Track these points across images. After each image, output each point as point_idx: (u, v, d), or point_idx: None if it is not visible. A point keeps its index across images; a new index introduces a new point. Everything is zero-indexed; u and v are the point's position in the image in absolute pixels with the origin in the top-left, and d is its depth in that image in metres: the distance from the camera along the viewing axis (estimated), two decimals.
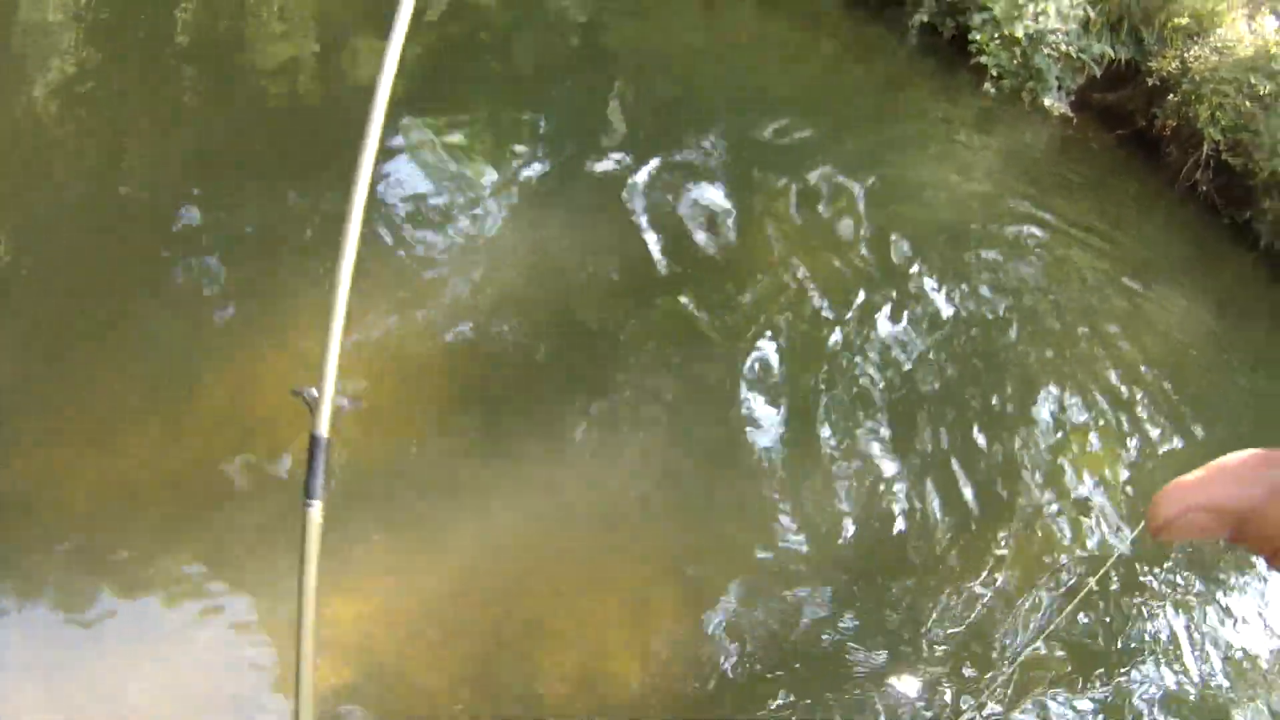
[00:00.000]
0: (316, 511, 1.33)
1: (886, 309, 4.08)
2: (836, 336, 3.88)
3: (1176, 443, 4.12)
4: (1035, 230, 5.11)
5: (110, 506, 2.61)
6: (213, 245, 3.47)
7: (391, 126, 3.76)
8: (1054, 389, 4.07)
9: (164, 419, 2.86)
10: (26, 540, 2.47)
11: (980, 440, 3.76)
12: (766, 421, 3.46)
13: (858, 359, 3.84)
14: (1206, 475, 0.31)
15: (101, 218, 3.52)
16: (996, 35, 6.35)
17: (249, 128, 4.17)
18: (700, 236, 4.08)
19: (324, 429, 1.35)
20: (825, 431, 3.49)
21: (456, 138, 4.27)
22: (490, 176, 4.08)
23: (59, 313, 3.09)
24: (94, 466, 2.68)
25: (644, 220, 4.06)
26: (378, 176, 3.60)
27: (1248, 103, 6.43)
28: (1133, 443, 4.01)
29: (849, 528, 3.23)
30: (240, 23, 5.10)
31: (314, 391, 1.34)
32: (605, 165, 4.40)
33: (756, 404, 3.49)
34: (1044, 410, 3.99)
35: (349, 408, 2.93)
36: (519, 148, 4.40)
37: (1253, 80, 6.49)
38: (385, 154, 3.77)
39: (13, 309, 3.07)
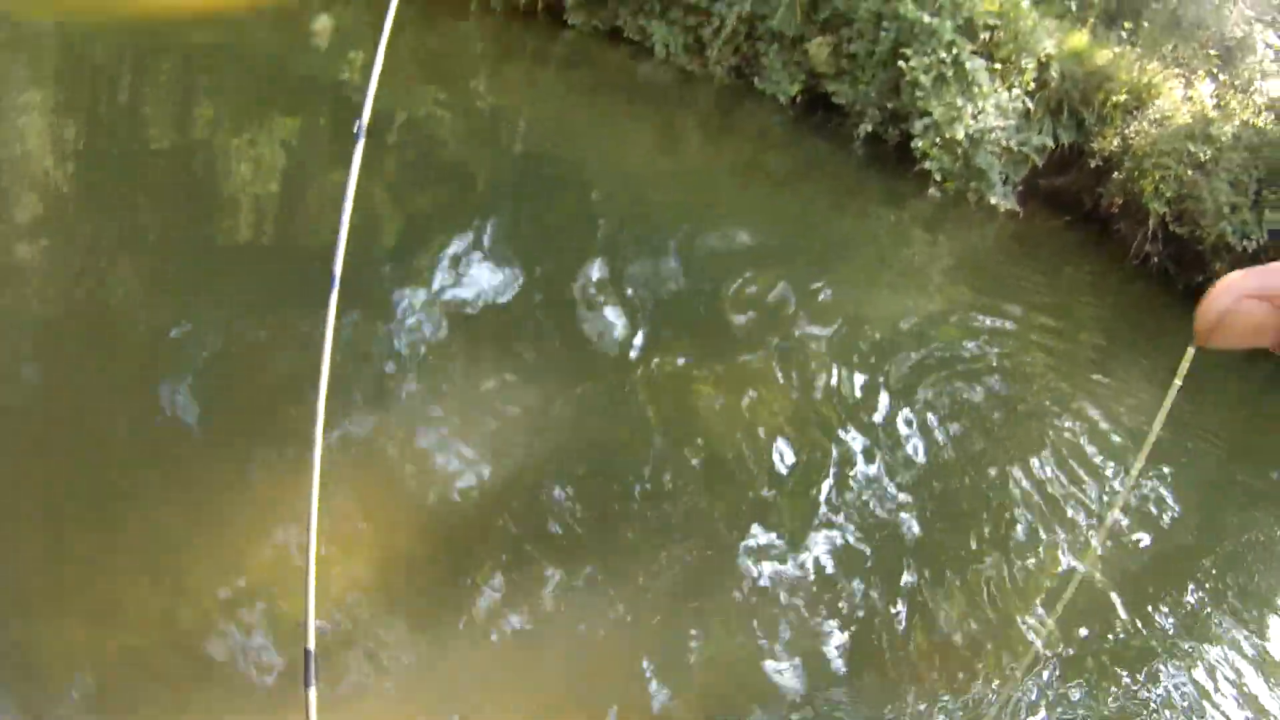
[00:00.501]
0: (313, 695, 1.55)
1: (852, 442, 4.13)
2: (799, 475, 3.92)
3: (1148, 539, 4.27)
4: (992, 339, 5.29)
5: (119, 677, 2.70)
6: (198, 398, 3.61)
7: (360, 268, 4.03)
8: (1021, 507, 4.15)
9: (165, 586, 2.96)
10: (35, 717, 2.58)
11: (957, 571, 3.80)
12: (740, 571, 3.47)
13: (826, 497, 3.87)
14: (1260, 269, 0.36)
15: (81, 371, 3.68)
16: (938, 139, 6.71)
17: (228, 266, 4.46)
18: (654, 365, 4.20)
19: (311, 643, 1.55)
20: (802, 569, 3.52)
21: (417, 276, 4.49)
22: (453, 312, 4.23)
23: (45, 479, 3.21)
24: (99, 638, 2.78)
25: (604, 351, 4.23)
26: (355, 324, 4.00)
27: (1189, 171, 6.74)
28: (1106, 544, 4.11)
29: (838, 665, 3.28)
30: (212, 158, 5.53)
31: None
32: (566, 293, 4.55)
33: (723, 549, 3.53)
34: (1018, 529, 4.07)
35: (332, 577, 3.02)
36: (479, 276, 4.56)
37: (1191, 148, 6.81)
38: (357, 298, 4.05)
39: None
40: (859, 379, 4.55)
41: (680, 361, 4.23)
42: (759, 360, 4.42)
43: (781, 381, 4.33)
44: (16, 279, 4.20)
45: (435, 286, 4.47)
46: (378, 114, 5.54)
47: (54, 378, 3.69)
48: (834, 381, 4.48)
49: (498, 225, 5.02)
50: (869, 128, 6.99)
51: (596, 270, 4.71)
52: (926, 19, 7.11)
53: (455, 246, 4.73)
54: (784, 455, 3.98)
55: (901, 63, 7.01)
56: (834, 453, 4.07)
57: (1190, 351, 0.72)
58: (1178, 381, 1.08)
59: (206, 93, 7.10)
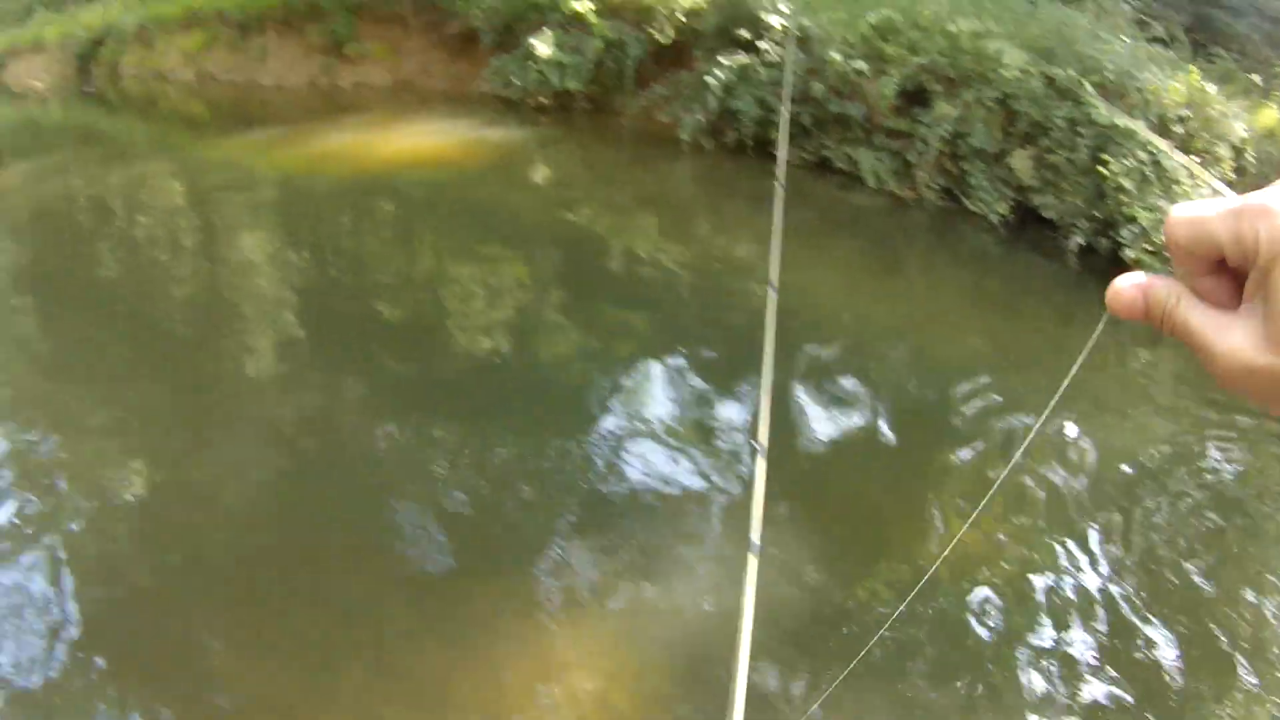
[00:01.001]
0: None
1: (1091, 575, 3.99)
2: (1036, 612, 3.80)
3: None
4: (1225, 449, 5.23)
5: None
6: (448, 528, 3.91)
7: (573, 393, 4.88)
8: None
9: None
10: None
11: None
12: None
13: (1073, 636, 3.72)
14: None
15: (323, 507, 4.06)
16: (1147, 245, 7.29)
17: (461, 396, 4.90)
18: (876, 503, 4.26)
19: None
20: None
21: (639, 406, 4.79)
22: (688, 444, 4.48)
23: (306, 620, 3.51)
24: None
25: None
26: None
27: None
28: None
29: None
30: (439, 293, 6.48)
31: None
32: (791, 432, 4.62)
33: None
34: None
35: None
36: (709, 406, 4.83)
37: None
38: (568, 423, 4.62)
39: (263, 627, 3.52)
40: (1096, 507, 4.44)
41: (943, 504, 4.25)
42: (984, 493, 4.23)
43: (1013, 519, 4.21)
44: (254, 416, 4.86)
45: (663, 416, 4.71)
46: (600, 250, 6.73)
47: (298, 516, 4.09)
48: (1069, 512, 4.37)
49: (702, 357, 5.44)
50: (1080, 239, 7.49)
51: (825, 421, 4.86)
52: (1119, 121, 7.69)
53: (689, 383, 5.08)
54: (1033, 585, 3.90)
55: (1101, 168, 7.52)
56: (1075, 588, 3.94)
57: None
58: None
59: (425, 232, 8.23)
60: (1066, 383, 0.94)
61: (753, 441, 3.01)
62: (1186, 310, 0.51)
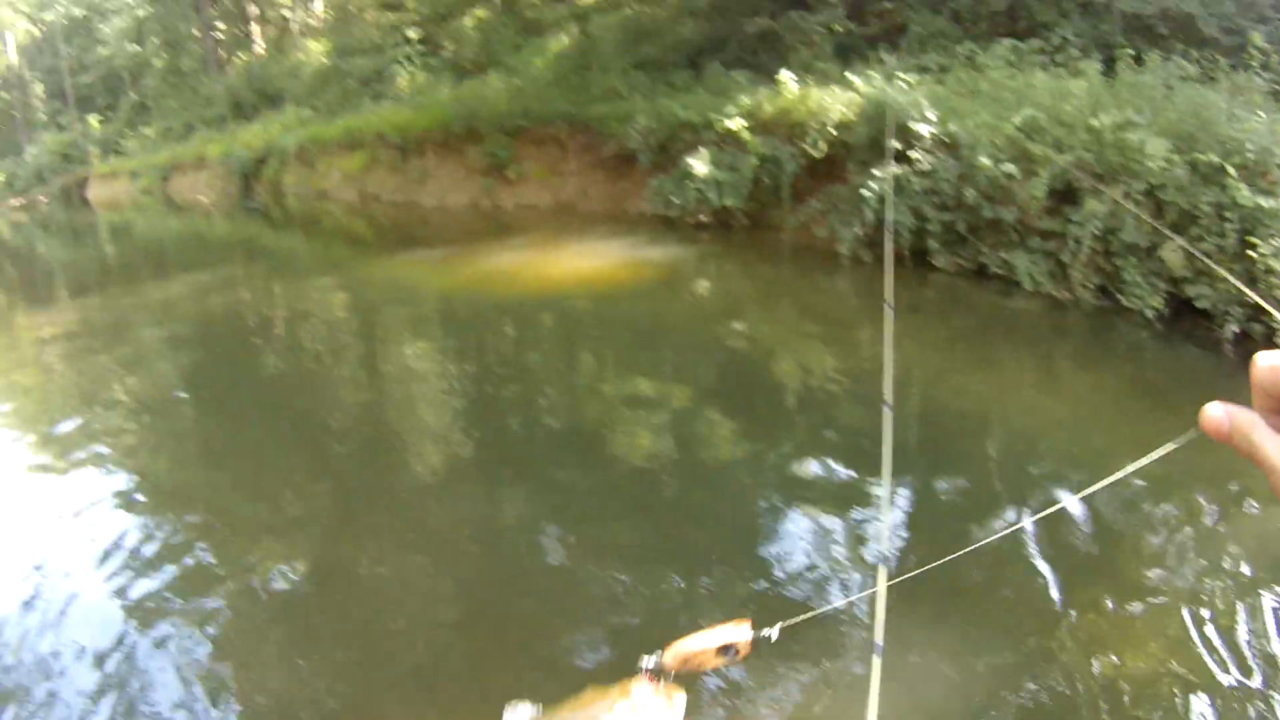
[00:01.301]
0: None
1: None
2: None
3: None
4: None
5: None
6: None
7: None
8: None
9: None
10: None
11: None
12: None
13: None
14: None
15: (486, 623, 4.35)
16: None
17: (627, 511, 5.28)
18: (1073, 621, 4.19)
19: None
20: None
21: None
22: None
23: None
24: None
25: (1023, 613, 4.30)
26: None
27: None
28: None
29: None
30: (601, 408, 7.14)
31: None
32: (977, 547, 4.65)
33: None
34: None
35: None
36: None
37: None
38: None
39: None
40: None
41: (1091, 616, 4.25)
42: (1166, 610, 4.30)
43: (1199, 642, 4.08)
44: (415, 521, 5.28)
45: (811, 522, 4.95)
46: (761, 362, 7.95)
47: (463, 621, 4.42)
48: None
49: (860, 466, 5.67)
50: (1235, 327, 8.30)
51: (974, 524, 5.04)
52: (1264, 202, 8.56)
53: (842, 490, 5.34)
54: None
55: (1251, 252, 8.47)
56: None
57: None
58: None
59: (588, 347, 9.16)
60: (1132, 468, 1.05)
61: (880, 550, 4.24)
62: (1261, 437, 0.69)
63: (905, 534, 4.88)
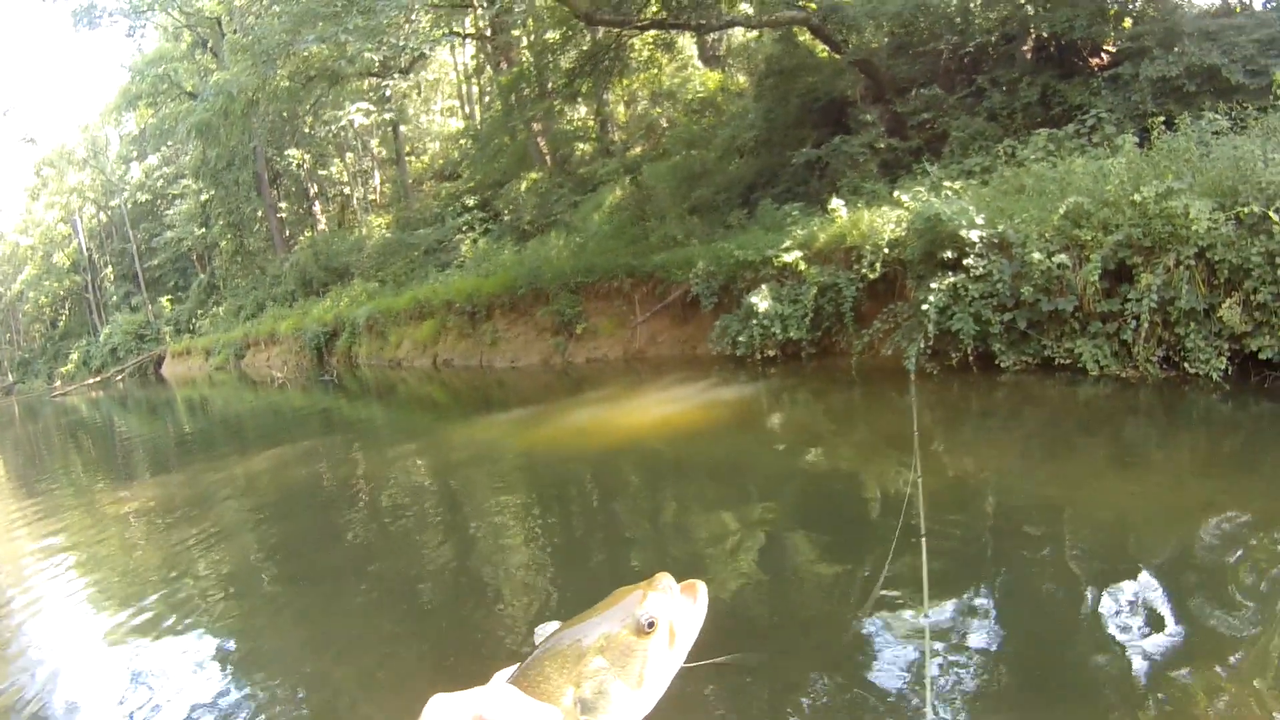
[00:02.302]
0: None
1: None
2: None
3: None
4: None
5: None
6: None
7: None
8: None
9: None
10: None
11: None
12: None
13: None
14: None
15: None
16: None
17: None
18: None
19: None
20: None
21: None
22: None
23: None
24: None
25: None
26: None
27: None
28: None
29: None
30: (692, 549, 6.87)
31: None
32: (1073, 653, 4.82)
33: None
34: None
35: None
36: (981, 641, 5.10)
37: None
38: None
39: None
40: None
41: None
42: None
43: None
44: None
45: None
46: (842, 488, 8.42)
47: None
48: None
49: (992, 589, 5.81)
50: None
51: (1086, 639, 4.95)
52: None
53: (963, 622, 5.28)
54: None
55: None
56: None
57: None
58: None
59: (669, 491, 9.54)
60: None
61: (922, 618, 4.88)
62: None
63: (991, 647, 4.99)
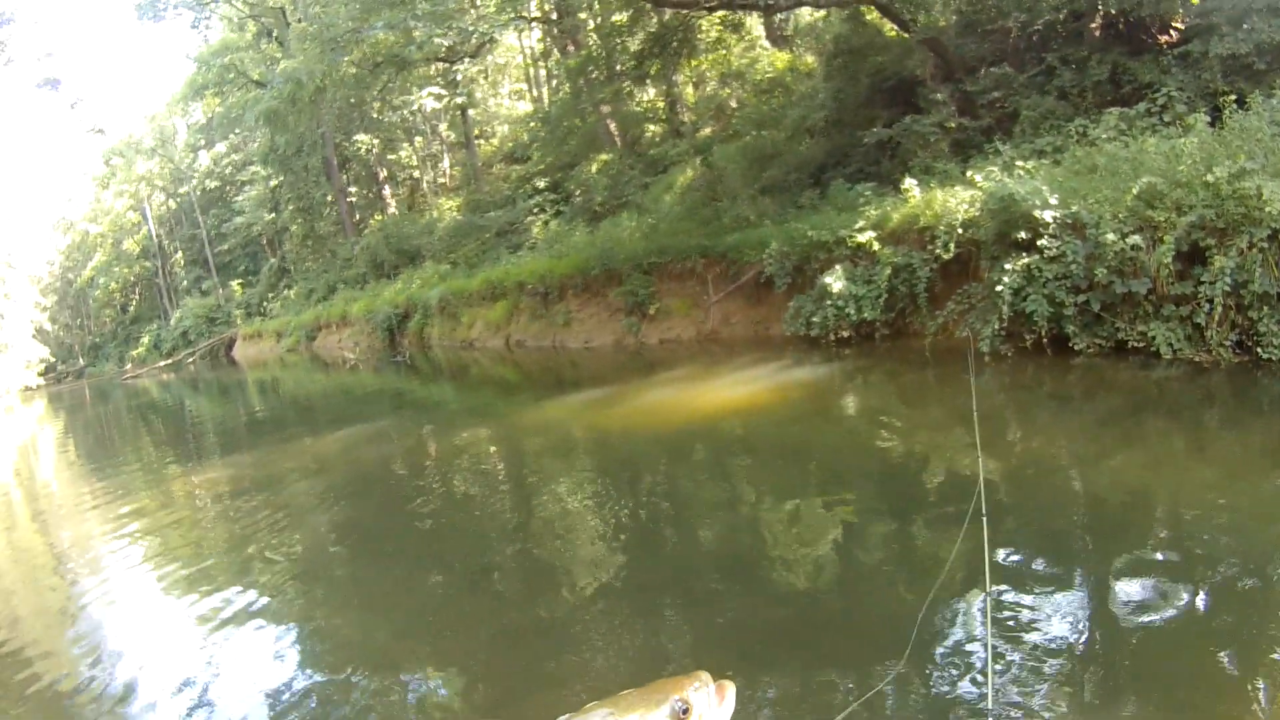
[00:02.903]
0: None
1: None
2: None
3: None
4: None
5: None
6: None
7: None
8: None
9: None
10: None
11: None
12: None
13: None
14: None
15: None
16: None
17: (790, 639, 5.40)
18: None
19: None
20: None
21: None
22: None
23: None
24: None
25: None
26: None
27: None
28: None
29: None
30: (760, 533, 7.08)
31: None
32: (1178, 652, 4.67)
33: None
34: None
35: None
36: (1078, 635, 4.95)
37: None
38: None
39: None
40: None
41: None
42: None
43: None
44: (575, 663, 5.41)
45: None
46: (916, 470, 8.64)
47: None
48: None
49: (1086, 579, 5.70)
50: None
51: (1157, 630, 4.88)
52: None
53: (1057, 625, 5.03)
54: None
55: None
56: None
57: None
58: None
59: (743, 475, 9.55)
60: None
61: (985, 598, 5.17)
62: None
63: (1095, 628, 4.96)
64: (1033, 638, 4.83)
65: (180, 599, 7.85)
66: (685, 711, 1.19)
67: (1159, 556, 5.85)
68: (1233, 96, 12.72)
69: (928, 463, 9.05)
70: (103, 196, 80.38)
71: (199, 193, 69.60)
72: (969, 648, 4.86)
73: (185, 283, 73.21)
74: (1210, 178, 10.65)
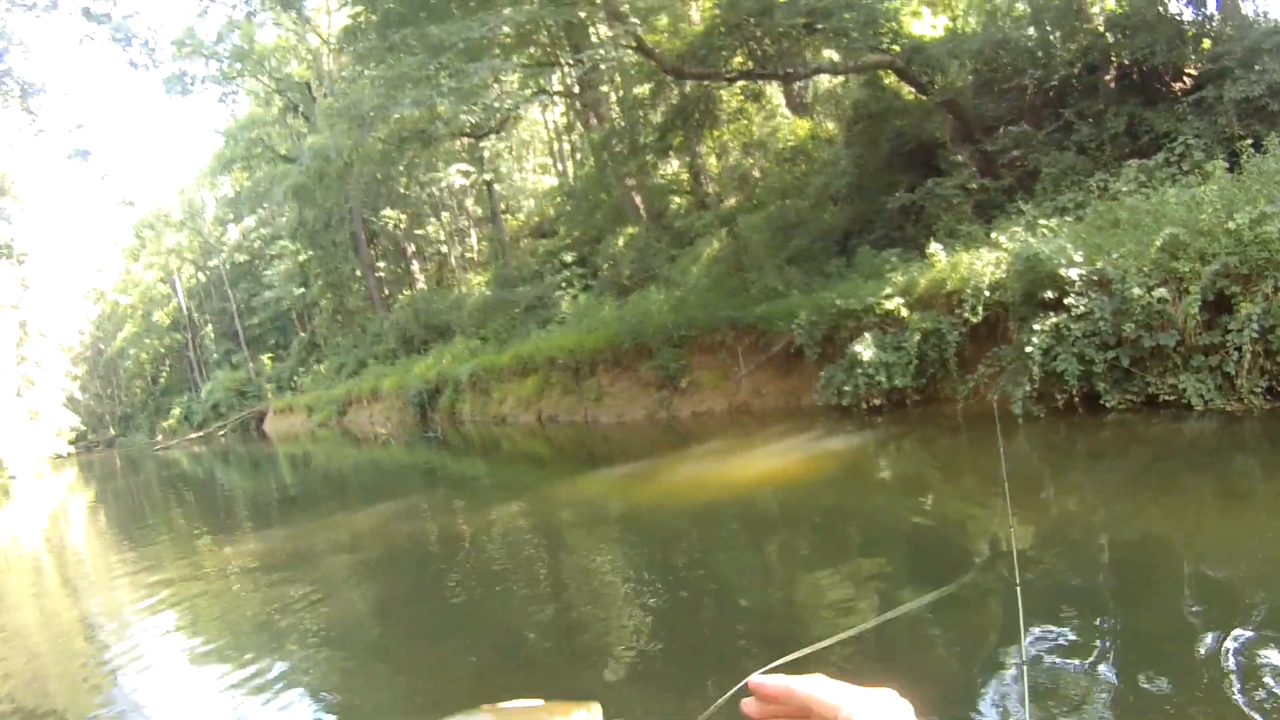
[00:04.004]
0: None
1: None
2: None
3: None
4: None
5: None
6: None
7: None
8: None
9: None
10: None
11: None
12: None
13: None
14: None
15: None
16: None
17: None
18: None
19: None
20: None
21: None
22: None
23: None
24: None
25: None
26: None
27: None
28: None
29: None
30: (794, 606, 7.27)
31: None
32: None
33: None
34: None
35: None
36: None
37: None
38: None
39: None
40: None
41: None
42: None
43: None
44: None
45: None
46: (954, 538, 8.66)
47: None
48: None
49: (1097, 634, 5.76)
50: None
51: (1195, 686, 4.88)
52: None
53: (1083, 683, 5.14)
54: None
55: None
56: None
57: None
58: None
59: (777, 545, 9.72)
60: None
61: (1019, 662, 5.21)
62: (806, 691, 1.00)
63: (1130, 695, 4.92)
64: (1067, 705, 4.85)
65: (210, 667, 7.99)
66: None
67: (1196, 614, 5.86)
68: (1249, 140, 12.92)
69: (963, 529, 9.18)
70: (133, 268, 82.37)
71: (228, 266, 71.02)
72: (1006, 707, 4.92)
73: (215, 355, 74.52)
74: (1232, 225, 10.81)
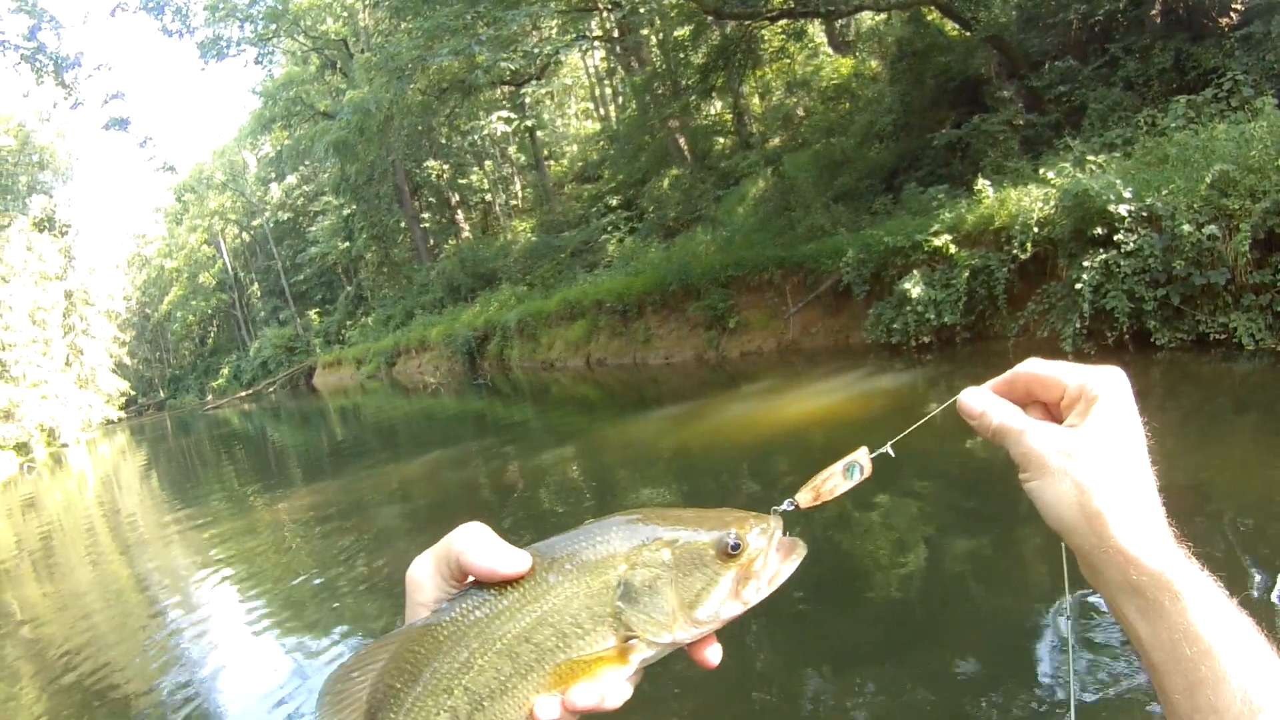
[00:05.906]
0: None
1: None
2: None
3: None
4: None
5: None
6: None
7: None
8: None
9: None
10: None
11: None
12: None
13: None
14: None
15: None
16: None
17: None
18: None
19: None
20: None
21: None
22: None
23: None
24: None
25: None
26: None
27: None
28: None
29: None
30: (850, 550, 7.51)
31: None
32: None
33: None
34: None
35: None
36: None
37: None
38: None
39: None
40: None
41: None
42: None
43: None
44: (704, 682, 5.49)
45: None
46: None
47: None
48: None
49: None
50: None
51: None
52: None
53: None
54: None
55: None
56: None
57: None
58: None
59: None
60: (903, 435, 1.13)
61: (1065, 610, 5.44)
62: (1012, 425, 0.99)
63: None
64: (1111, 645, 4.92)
65: (265, 623, 8.25)
66: (736, 549, 1.04)
67: (1246, 557, 5.86)
68: None
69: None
70: (176, 232, 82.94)
71: (272, 224, 71.61)
72: (1049, 655, 5.06)
73: (263, 313, 75.40)
74: None
